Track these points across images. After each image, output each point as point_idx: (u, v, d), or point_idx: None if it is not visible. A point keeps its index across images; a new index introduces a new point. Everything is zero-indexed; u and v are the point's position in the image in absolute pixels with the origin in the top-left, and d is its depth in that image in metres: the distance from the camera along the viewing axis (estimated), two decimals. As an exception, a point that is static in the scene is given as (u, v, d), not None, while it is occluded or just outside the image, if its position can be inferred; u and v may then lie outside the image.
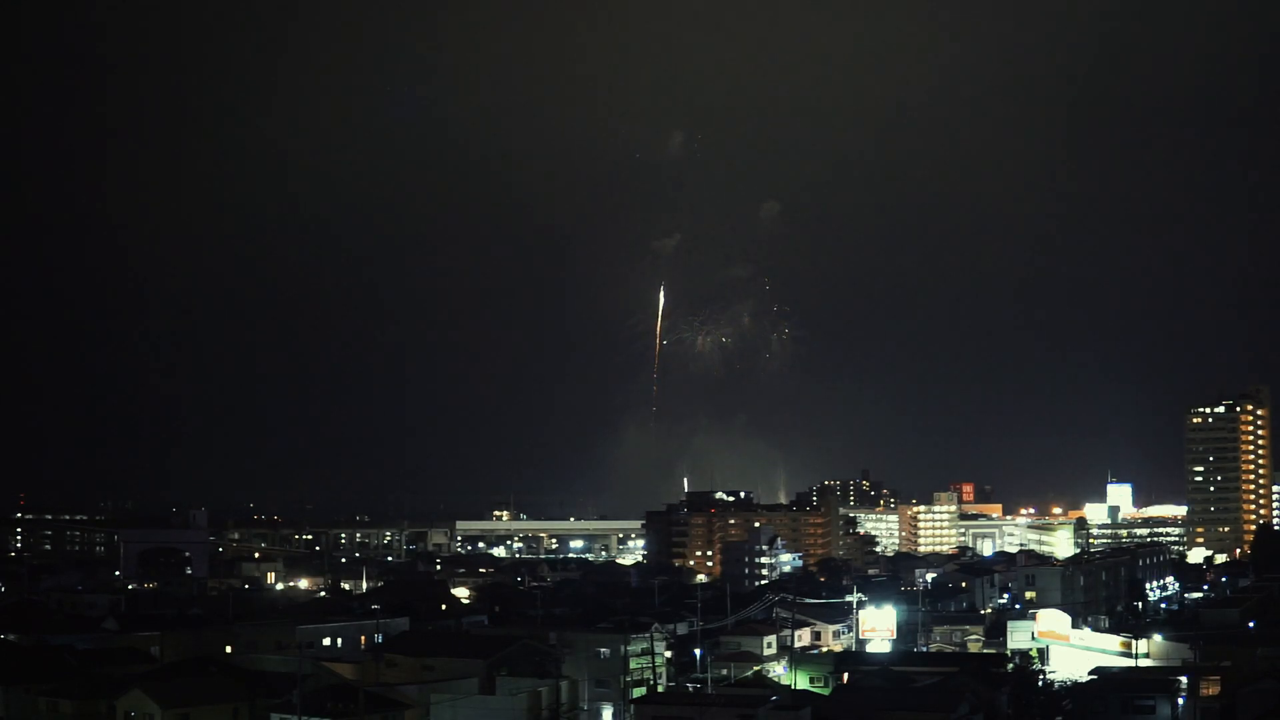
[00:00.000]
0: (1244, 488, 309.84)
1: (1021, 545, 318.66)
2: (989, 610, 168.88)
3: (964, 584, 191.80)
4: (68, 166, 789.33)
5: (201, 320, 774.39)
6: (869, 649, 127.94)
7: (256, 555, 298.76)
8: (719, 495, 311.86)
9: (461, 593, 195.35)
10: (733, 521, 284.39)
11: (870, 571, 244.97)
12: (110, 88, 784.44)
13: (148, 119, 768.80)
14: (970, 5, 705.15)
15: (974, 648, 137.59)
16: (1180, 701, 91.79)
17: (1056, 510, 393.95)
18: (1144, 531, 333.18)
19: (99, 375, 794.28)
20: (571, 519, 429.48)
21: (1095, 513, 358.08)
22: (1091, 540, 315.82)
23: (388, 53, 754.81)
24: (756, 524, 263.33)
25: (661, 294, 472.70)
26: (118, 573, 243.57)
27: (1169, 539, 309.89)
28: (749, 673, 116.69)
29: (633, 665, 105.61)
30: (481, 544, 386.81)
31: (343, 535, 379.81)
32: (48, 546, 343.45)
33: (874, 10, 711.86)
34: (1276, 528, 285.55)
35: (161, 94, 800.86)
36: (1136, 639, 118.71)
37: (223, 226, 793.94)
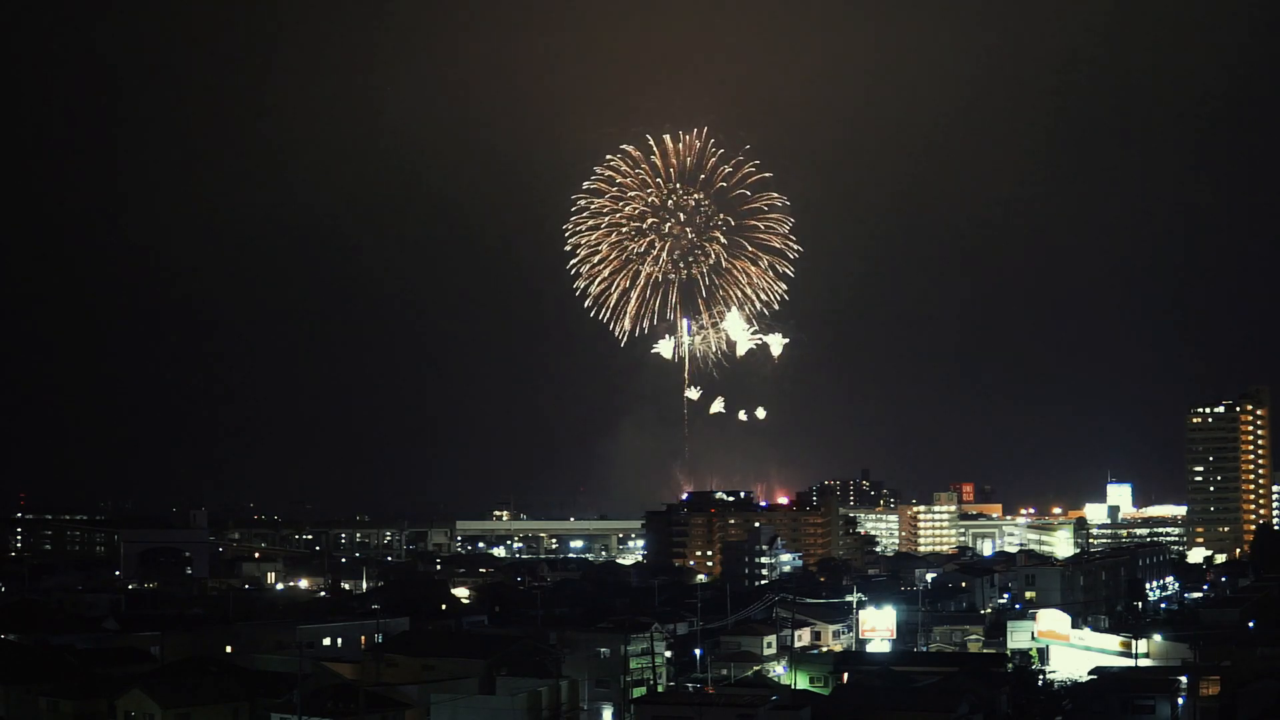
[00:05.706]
0: (1244, 488, 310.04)
1: (1021, 545, 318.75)
2: (989, 610, 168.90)
3: (964, 584, 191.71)
4: (79, 168, 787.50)
5: (202, 320, 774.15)
6: (869, 649, 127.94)
7: (256, 555, 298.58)
8: (719, 495, 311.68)
9: (461, 593, 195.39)
10: (733, 521, 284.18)
11: (870, 571, 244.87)
12: (124, 88, 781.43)
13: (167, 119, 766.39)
14: (980, 12, 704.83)
15: (974, 648, 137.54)
16: (1180, 701, 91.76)
17: (1056, 510, 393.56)
18: (1144, 531, 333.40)
19: (99, 375, 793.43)
20: (571, 519, 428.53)
21: (1095, 513, 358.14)
22: (1091, 540, 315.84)
23: (392, 57, 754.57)
24: (756, 524, 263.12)
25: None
26: (118, 573, 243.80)
27: (1169, 539, 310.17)
28: (749, 673, 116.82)
29: (633, 665, 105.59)
30: (481, 544, 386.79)
31: (343, 535, 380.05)
32: (48, 546, 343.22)
33: (883, 14, 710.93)
34: (1276, 528, 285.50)
35: (179, 93, 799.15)
36: (1136, 639, 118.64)
37: (225, 229, 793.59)
